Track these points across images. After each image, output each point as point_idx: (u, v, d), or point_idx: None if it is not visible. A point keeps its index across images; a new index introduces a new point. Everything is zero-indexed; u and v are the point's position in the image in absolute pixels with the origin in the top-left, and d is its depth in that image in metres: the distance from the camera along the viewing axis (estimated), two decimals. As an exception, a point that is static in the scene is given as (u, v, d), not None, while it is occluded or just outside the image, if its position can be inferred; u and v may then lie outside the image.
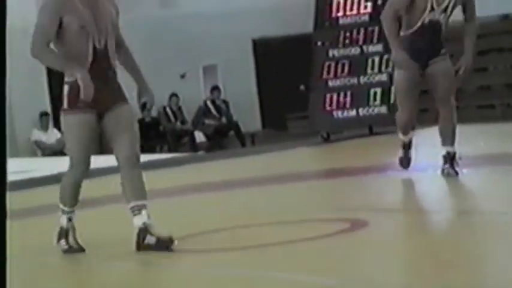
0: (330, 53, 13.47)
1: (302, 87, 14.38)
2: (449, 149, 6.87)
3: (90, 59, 5.10)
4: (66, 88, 5.11)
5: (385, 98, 13.30)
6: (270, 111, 18.23)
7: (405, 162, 7.42)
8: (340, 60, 13.38)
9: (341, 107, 13.32)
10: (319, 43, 13.59)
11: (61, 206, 5.36)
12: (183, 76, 18.16)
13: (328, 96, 13.37)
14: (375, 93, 13.30)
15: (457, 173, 6.74)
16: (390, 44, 6.84)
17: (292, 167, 9.45)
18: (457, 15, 6.69)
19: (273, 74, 17.72)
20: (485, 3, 15.33)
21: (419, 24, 6.54)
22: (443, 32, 6.56)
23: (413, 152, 7.43)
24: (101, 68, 5.12)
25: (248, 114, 17.62)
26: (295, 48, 16.18)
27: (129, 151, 5.18)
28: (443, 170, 6.82)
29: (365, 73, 13.39)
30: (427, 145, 11.46)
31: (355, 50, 13.38)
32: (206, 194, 7.72)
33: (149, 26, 17.10)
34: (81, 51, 5.10)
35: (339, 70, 13.38)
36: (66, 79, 5.11)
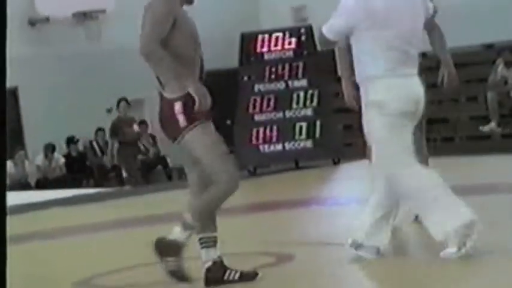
0: (256, 88, 13.62)
1: (228, 121, 14.48)
2: None
3: (198, 69, 4.74)
4: (178, 105, 4.61)
5: (311, 132, 13.48)
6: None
7: None
8: (265, 94, 13.54)
9: (267, 141, 13.46)
10: (245, 78, 13.74)
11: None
12: (109, 110, 18.09)
13: (254, 130, 13.50)
14: (301, 128, 13.47)
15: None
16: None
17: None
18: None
19: (200, 108, 17.75)
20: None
21: None
22: None
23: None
24: (200, 79, 4.74)
25: (174, 148, 17.62)
26: (221, 83, 16.29)
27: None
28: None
29: (290, 107, 13.57)
30: (351, 178, 11.65)
31: (280, 85, 13.56)
32: (131, 229, 7.71)
33: (76, 60, 17.03)
34: (191, 59, 4.71)
35: (265, 104, 13.53)
36: (174, 95, 4.63)
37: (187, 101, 4.60)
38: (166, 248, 4.74)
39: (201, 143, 4.64)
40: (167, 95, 4.68)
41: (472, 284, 4.47)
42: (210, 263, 4.69)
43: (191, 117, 4.61)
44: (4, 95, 2.52)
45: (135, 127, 15.06)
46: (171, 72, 4.63)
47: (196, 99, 4.58)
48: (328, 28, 5.00)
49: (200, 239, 4.69)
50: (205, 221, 4.66)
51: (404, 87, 4.99)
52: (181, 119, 4.62)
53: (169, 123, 4.67)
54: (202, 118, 4.64)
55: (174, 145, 4.75)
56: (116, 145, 15.08)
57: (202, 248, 4.69)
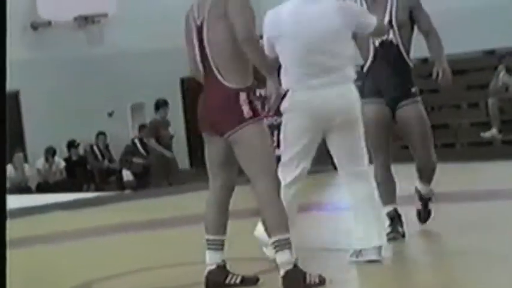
0: (257, 92, 13.59)
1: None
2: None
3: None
4: (243, 96, 4.51)
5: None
6: (197, 150, 18.25)
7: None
8: (266, 99, 13.51)
9: (268, 146, 13.41)
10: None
11: (279, 236, 4.49)
12: (110, 114, 18.10)
13: (255, 135, 13.46)
14: (301, 133, 13.43)
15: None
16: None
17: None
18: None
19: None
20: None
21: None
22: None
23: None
24: None
25: (176, 152, 17.63)
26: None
27: None
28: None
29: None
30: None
31: (282, 90, 13.54)
32: (132, 233, 7.70)
33: (77, 64, 17.04)
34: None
35: (266, 109, 13.51)
36: (238, 86, 4.52)
37: (250, 94, 4.55)
38: None
39: (260, 138, 4.55)
40: (230, 84, 4.54)
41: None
42: (213, 266, 4.66)
43: (255, 109, 4.54)
44: (4, 94, 2.51)
45: (170, 130, 14.85)
46: (262, 62, 4.55)
47: (274, 94, 4.64)
48: (264, 45, 4.98)
49: (208, 240, 4.69)
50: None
51: (304, 102, 4.98)
52: (246, 110, 4.51)
53: (229, 113, 4.51)
54: (262, 114, 4.59)
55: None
56: (153, 144, 14.83)
57: (210, 250, 4.69)
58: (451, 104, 15.24)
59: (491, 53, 15.08)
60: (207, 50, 4.60)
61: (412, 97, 5.67)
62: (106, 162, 17.31)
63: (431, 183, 6.11)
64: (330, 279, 4.65)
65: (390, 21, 5.44)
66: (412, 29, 5.67)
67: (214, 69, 4.59)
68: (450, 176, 11.25)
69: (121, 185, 16.29)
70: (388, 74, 5.56)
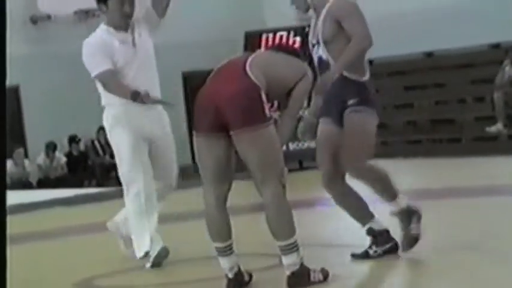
0: (260, 88, 13.55)
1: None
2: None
3: None
4: (263, 94, 4.50)
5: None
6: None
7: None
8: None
9: (271, 141, 13.36)
10: (249, 77, 13.67)
11: (287, 241, 4.48)
12: (111, 109, 18.03)
13: (258, 130, 13.41)
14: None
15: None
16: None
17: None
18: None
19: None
20: (409, 41, 15.66)
21: None
22: None
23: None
24: None
25: (177, 148, 17.59)
26: (225, 83, 16.23)
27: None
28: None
29: (294, 107, 13.46)
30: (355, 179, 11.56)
31: (284, 85, 13.49)
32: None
33: (77, 58, 16.94)
34: None
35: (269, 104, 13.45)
36: (259, 83, 4.48)
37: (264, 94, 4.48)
38: None
39: (274, 139, 4.49)
40: (255, 80, 4.47)
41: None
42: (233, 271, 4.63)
43: (270, 111, 4.50)
44: (4, 94, 2.45)
45: None
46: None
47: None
48: None
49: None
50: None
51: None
52: (266, 109, 4.46)
53: (251, 107, 4.41)
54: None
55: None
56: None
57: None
58: (456, 98, 15.15)
59: (496, 46, 14.98)
60: None
61: (350, 108, 5.19)
62: (107, 157, 17.24)
63: (395, 197, 5.29)
64: (332, 274, 4.60)
65: (318, 41, 5.21)
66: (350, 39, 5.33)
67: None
68: (455, 171, 11.21)
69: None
70: (327, 91, 5.18)
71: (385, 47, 15.87)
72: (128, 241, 5.78)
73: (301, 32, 13.67)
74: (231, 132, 4.44)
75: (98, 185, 16.24)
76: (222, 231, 4.57)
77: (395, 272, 4.83)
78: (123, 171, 5.76)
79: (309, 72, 4.76)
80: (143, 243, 5.58)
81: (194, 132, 4.57)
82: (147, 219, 5.64)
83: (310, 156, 13.54)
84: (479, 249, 5.14)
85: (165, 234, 5.79)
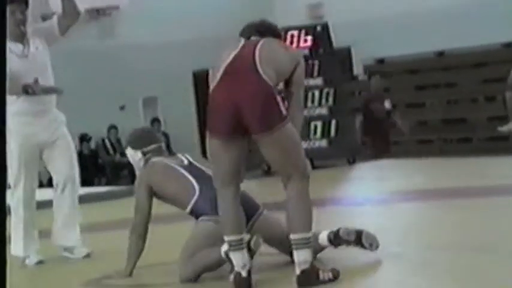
0: (271, 86, 13.52)
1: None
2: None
3: None
4: (278, 95, 4.55)
5: (326, 131, 13.36)
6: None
7: None
8: (280, 93, 13.41)
9: (282, 140, 13.33)
10: (259, 76, 13.63)
11: (302, 234, 4.51)
12: (122, 108, 18.04)
13: (268, 129, 13.39)
14: (315, 127, 13.35)
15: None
16: None
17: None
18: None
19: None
20: (421, 40, 15.61)
21: None
22: None
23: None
24: None
25: (188, 146, 17.58)
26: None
27: None
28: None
29: (305, 106, 13.43)
30: (367, 178, 11.52)
31: (295, 84, 13.45)
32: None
33: (88, 57, 16.98)
34: None
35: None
36: (272, 83, 4.52)
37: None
38: None
39: (294, 135, 4.53)
40: (268, 81, 4.48)
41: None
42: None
43: (285, 109, 4.52)
44: (4, 94, 2.45)
45: (387, 104, 14.24)
46: None
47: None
48: None
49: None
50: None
51: None
52: (283, 108, 4.49)
53: (270, 110, 4.43)
54: None
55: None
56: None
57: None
58: (468, 97, 15.10)
59: (508, 45, 14.92)
60: None
61: None
62: (118, 156, 17.25)
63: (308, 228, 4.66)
64: (343, 274, 4.58)
65: None
66: None
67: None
68: (466, 170, 11.15)
69: (133, 179, 16.23)
70: None
71: (396, 46, 15.85)
72: None
73: (313, 30, 13.63)
74: (253, 136, 4.46)
75: (108, 183, 16.26)
76: (238, 224, 4.55)
77: (404, 271, 4.79)
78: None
79: (301, 57, 4.82)
80: (16, 247, 6.19)
81: (209, 135, 4.55)
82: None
83: (321, 155, 13.51)
84: (490, 250, 5.10)
85: (177, 232, 5.78)
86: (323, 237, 4.99)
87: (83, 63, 17.00)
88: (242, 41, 4.71)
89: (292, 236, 4.49)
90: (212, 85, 4.59)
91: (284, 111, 4.47)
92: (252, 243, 4.52)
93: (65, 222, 6.34)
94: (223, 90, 4.51)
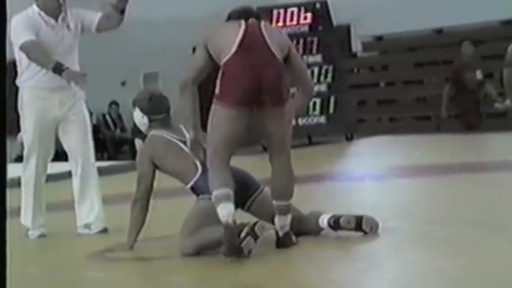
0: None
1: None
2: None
3: None
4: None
5: (324, 108, 13.45)
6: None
7: None
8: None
9: (281, 116, 13.42)
10: (259, 53, 13.69)
11: (289, 201, 4.95)
12: (123, 83, 18.10)
13: (268, 105, 13.48)
14: (314, 104, 13.44)
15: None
16: None
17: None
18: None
19: (214, 82, 17.76)
20: (419, 17, 15.66)
21: None
22: None
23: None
24: None
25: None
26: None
27: None
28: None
29: (304, 83, 13.51)
30: (364, 154, 11.63)
31: (295, 60, 13.52)
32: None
33: (89, 33, 16.98)
34: None
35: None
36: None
37: None
38: None
39: (292, 113, 4.90)
40: (278, 57, 4.77)
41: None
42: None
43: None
44: (4, 93, 2.54)
45: (478, 74, 13.66)
46: None
47: None
48: None
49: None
50: None
51: None
52: (288, 85, 4.80)
53: (283, 86, 4.75)
54: None
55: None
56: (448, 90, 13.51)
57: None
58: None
59: (507, 23, 14.96)
60: None
61: None
62: (118, 131, 17.34)
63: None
64: (344, 249, 4.67)
65: None
66: None
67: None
68: (464, 147, 11.26)
69: (134, 154, 16.34)
70: None
71: (394, 23, 15.89)
72: None
73: (312, 7, 13.69)
74: (267, 109, 4.71)
75: (110, 158, 16.35)
76: (229, 180, 4.77)
77: (402, 245, 4.89)
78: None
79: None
80: (26, 217, 6.31)
81: (221, 103, 4.75)
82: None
83: (320, 132, 13.62)
84: (485, 223, 5.19)
85: (178, 206, 5.86)
86: (323, 221, 5.13)
87: (84, 39, 17.01)
88: (243, 21, 4.83)
89: (278, 202, 4.90)
90: (224, 59, 4.75)
91: (289, 87, 4.79)
92: (256, 227, 4.67)
93: (80, 199, 6.39)
94: (244, 63, 4.72)
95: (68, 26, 6.31)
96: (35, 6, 6.26)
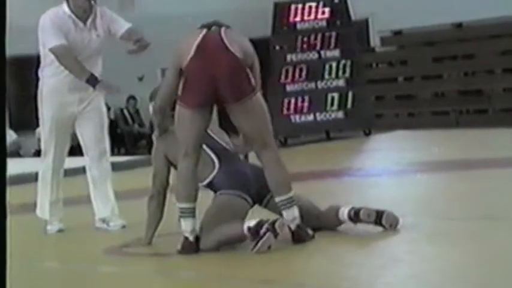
0: (288, 58, 13.56)
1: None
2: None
3: None
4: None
5: (342, 103, 13.42)
6: (226, 115, 18.24)
7: None
8: (298, 64, 13.47)
9: (299, 111, 13.42)
10: (277, 47, 13.68)
11: (290, 194, 4.90)
12: (141, 79, 18.12)
13: (286, 100, 13.46)
14: (332, 98, 13.42)
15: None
16: None
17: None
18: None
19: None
20: (438, 12, 15.58)
21: None
22: None
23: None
24: None
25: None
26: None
27: None
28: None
29: (322, 78, 13.50)
30: (382, 149, 11.59)
31: (312, 55, 13.49)
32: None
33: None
34: None
35: (297, 75, 13.47)
36: (241, 57, 4.97)
37: None
38: None
39: (264, 104, 4.94)
40: (238, 55, 4.86)
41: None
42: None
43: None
44: (4, 93, 2.50)
45: None
46: None
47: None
48: None
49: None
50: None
51: None
52: (253, 80, 4.88)
53: (241, 81, 4.85)
54: None
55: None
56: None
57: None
58: (485, 69, 15.08)
59: (527, 17, 14.87)
60: None
61: None
62: (136, 126, 17.36)
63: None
64: (360, 243, 4.63)
65: None
66: None
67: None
68: (482, 142, 11.20)
69: (150, 149, 16.33)
70: None
71: (414, 17, 15.82)
72: None
73: (331, 2, 13.66)
74: (228, 106, 4.86)
75: (127, 153, 16.38)
76: (194, 193, 4.94)
77: (419, 240, 4.87)
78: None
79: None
80: (43, 210, 6.33)
81: (182, 105, 4.91)
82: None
83: (337, 127, 13.59)
84: (507, 219, 5.16)
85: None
86: (343, 213, 5.11)
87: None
88: (204, 30, 5.04)
89: (279, 198, 4.87)
90: (184, 62, 4.92)
91: (253, 82, 4.85)
92: (276, 225, 4.72)
93: (95, 193, 6.41)
94: (199, 64, 4.87)
95: (96, 30, 6.27)
96: (65, 7, 6.21)
